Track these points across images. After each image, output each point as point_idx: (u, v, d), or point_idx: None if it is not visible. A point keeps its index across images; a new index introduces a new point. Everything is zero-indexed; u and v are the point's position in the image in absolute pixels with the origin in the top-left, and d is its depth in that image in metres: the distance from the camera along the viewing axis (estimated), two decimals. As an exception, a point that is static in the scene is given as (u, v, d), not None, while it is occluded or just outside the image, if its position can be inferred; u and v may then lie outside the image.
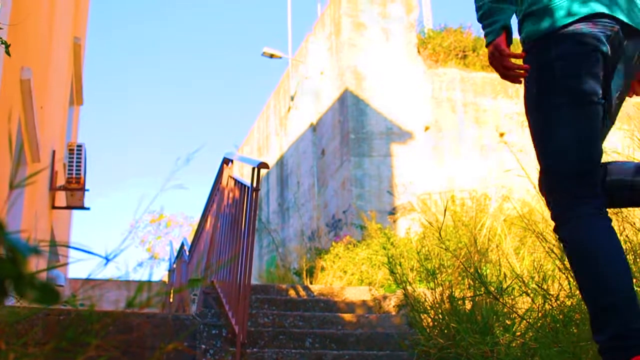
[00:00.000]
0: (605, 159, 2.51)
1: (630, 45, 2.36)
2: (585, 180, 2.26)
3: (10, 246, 0.78)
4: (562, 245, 2.32)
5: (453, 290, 4.10)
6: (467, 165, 12.49)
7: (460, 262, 4.18)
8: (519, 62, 2.33)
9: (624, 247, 2.48)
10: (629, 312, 2.02)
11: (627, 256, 3.18)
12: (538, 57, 2.34)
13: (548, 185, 2.34)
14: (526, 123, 2.52)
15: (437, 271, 4.43)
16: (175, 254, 10.55)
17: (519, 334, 3.47)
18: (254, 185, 4.35)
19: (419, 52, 13.11)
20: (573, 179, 2.27)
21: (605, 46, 2.28)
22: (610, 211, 2.54)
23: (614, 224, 2.38)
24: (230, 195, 5.24)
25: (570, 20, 2.28)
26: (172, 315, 4.56)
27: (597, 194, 2.26)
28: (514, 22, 2.43)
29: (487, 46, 2.39)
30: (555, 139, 2.32)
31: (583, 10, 2.28)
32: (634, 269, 3.12)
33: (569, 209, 2.23)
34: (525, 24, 2.40)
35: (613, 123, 2.50)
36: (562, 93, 2.29)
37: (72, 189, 8.52)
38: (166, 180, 1.57)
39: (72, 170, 8.42)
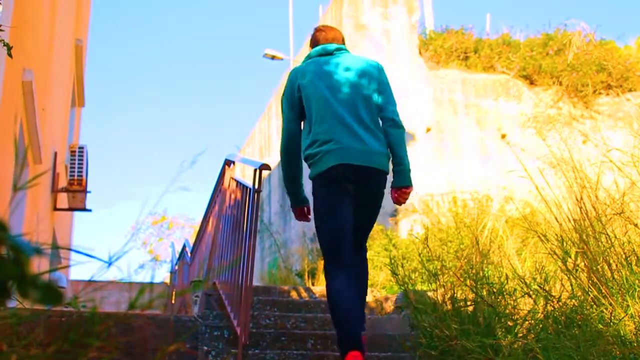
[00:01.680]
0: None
1: (365, 172, 3.81)
2: (336, 254, 3.79)
3: (13, 247, 0.77)
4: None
5: (455, 291, 4.10)
6: (469, 167, 12.48)
7: (462, 263, 4.18)
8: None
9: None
10: (346, 335, 3.58)
11: (630, 257, 3.18)
12: (314, 187, 3.92)
13: (324, 257, 3.92)
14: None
15: (439, 272, 4.43)
16: (177, 255, 10.55)
17: (520, 335, 3.47)
18: (256, 186, 4.34)
19: (420, 53, 13.11)
20: (331, 254, 3.81)
21: (349, 177, 3.79)
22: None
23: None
24: (232, 196, 5.24)
25: (322, 169, 3.82)
26: (174, 316, 4.56)
27: (344, 263, 3.77)
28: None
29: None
30: (322, 230, 3.88)
31: (331, 163, 3.79)
32: (637, 270, 3.11)
33: (326, 263, 3.86)
34: (310, 170, 3.97)
35: (370, 216, 4.00)
36: (323, 206, 3.86)
37: (74, 191, 8.52)
38: (171, 182, 1.57)
39: (73, 172, 8.42)
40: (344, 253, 3.79)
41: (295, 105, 3.99)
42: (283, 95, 4.06)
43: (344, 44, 4.20)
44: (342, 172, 3.78)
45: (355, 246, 3.92)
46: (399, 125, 4.02)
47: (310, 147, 3.91)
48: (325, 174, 3.82)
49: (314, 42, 4.23)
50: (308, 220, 4.18)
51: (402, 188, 3.93)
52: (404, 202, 3.99)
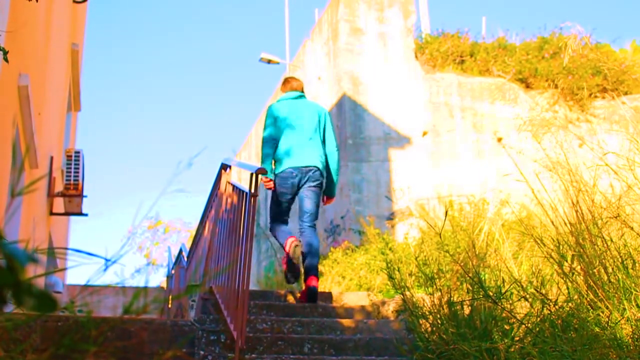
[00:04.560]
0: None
1: (309, 172, 5.96)
2: (280, 219, 6.11)
3: (8, 254, 0.77)
4: (274, 236, 6.15)
5: (451, 295, 4.10)
6: (465, 170, 12.49)
7: (460, 266, 4.18)
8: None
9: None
10: (286, 239, 5.80)
11: (626, 261, 3.19)
12: (276, 181, 6.03)
13: (270, 220, 6.22)
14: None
15: (436, 276, 4.43)
16: (174, 260, 10.54)
17: (517, 338, 3.47)
18: (252, 190, 4.35)
19: (416, 57, 13.13)
20: (277, 219, 6.12)
21: (296, 177, 5.94)
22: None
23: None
24: (229, 200, 5.24)
25: (282, 169, 5.96)
26: (170, 321, 4.55)
27: (285, 221, 6.13)
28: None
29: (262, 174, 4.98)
30: (273, 208, 6.16)
31: (286, 165, 5.94)
32: (633, 274, 3.12)
33: (273, 223, 6.18)
34: (275, 167, 6.09)
35: (312, 199, 6.04)
36: (277, 195, 6.04)
37: (70, 195, 8.50)
38: (167, 184, 1.57)
39: (70, 176, 8.41)
40: (285, 220, 6.18)
41: (274, 125, 6.09)
42: (266, 118, 6.14)
43: (303, 91, 6.36)
44: (291, 171, 5.94)
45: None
46: (335, 152, 6.22)
47: (277, 154, 6.04)
48: (281, 173, 5.97)
49: (285, 87, 6.35)
50: (270, 186, 6.06)
51: (327, 197, 6.30)
52: (328, 204, 6.46)
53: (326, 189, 6.22)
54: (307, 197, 6.00)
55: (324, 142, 6.18)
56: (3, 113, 4.74)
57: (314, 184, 6.00)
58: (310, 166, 5.95)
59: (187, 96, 52.42)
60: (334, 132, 6.28)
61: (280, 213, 6.11)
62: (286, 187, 5.96)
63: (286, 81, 6.41)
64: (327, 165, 6.16)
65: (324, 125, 6.20)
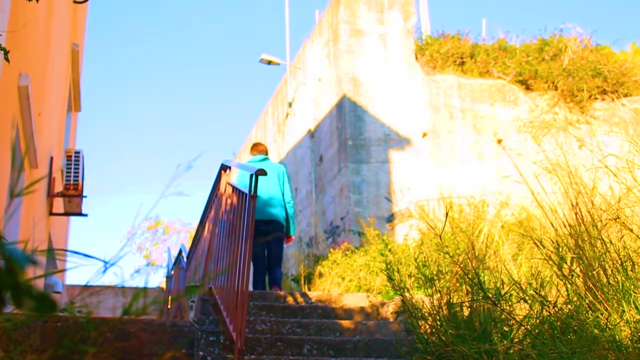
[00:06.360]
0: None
1: (272, 224, 7.31)
2: (256, 266, 7.31)
3: (8, 256, 0.77)
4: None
5: (451, 296, 4.10)
6: (465, 172, 12.49)
7: (459, 268, 4.18)
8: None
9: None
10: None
11: (626, 263, 3.19)
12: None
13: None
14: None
15: (435, 277, 4.43)
16: (173, 260, 10.54)
17: (516, 340, 3.47)
18: (252, 192, 4.35)
19: (416, 58, 13.13)
20: (255, 268, 7.27)
21: (262, 229, 7.10)
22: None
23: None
24: (228, 201, 5.24)
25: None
26: (169, 322, 4.55)
27: (263, 270, 7.37)
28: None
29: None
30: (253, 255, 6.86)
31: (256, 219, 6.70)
32: (632, 276, 3.12)
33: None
34: None
35: (276, 247, 7.44)
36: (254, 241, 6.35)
37: (70, 196, 8.50)
38: (167, 187, 1.57)
39: (70, 176, 8.40)
40: (264, 269, 7.38)
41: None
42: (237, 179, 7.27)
43: (267, 153, 7.78)
44: (257, 225, 6.80)
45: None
46: (291, 202, 7.52)
47: None
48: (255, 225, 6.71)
49: (253, 151, 7.74)
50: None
51: (287, 237, 7.50)
52: (289, 243, 7.91)
53: (286, 231, 7.50)
54: (272, 245, 7.38)
55: (283, 194, 7.48)
56: (3, 113, 4.75)
57: (278, 234, 7.36)
58: (274, 219, 7.30)
59: (187, 96, 52.39)
60: (291, 185, 7.67)
61: (255, 261, 7.29)
62: (255, 238, 7.08)
63: (254, 146, 7.84)
64: (286, 214, 7.47)
65: (283, 181, 7.54)
